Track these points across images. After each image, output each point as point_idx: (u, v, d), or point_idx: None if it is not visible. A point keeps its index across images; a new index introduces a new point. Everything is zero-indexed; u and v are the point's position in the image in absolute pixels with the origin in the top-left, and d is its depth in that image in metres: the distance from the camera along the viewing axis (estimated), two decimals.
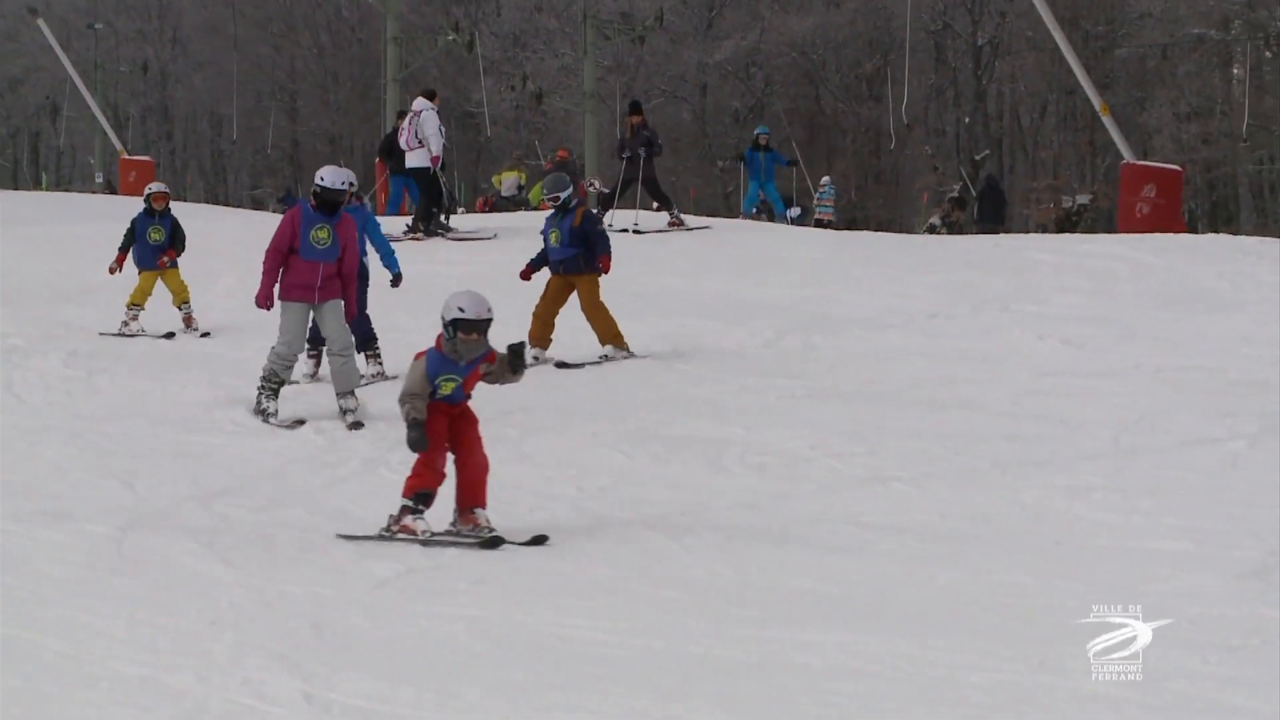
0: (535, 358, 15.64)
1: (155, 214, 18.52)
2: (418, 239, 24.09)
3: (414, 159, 24.69)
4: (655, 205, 26.76)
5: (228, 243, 22.88)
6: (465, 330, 9.99)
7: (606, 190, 28.65)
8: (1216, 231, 37.22)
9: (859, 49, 57.20)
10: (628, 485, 11.47)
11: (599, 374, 15.57)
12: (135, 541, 9.94)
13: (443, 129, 24.74)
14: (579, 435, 13.07)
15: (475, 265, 20.81)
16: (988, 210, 34.99)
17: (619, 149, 26.38)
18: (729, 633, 7.93)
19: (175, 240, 18.50)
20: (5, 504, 10.77)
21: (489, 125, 52.64)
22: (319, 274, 13.85)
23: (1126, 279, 19.68)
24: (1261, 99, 44.63)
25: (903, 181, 56.53)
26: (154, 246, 18.40)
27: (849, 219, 33.26)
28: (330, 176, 13.95)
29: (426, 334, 16.50)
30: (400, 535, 10.01)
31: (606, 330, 16.06)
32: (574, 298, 16.18)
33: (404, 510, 10.08)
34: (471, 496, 10.15)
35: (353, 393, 13.88)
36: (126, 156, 54.76)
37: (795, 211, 35.61)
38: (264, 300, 14.02)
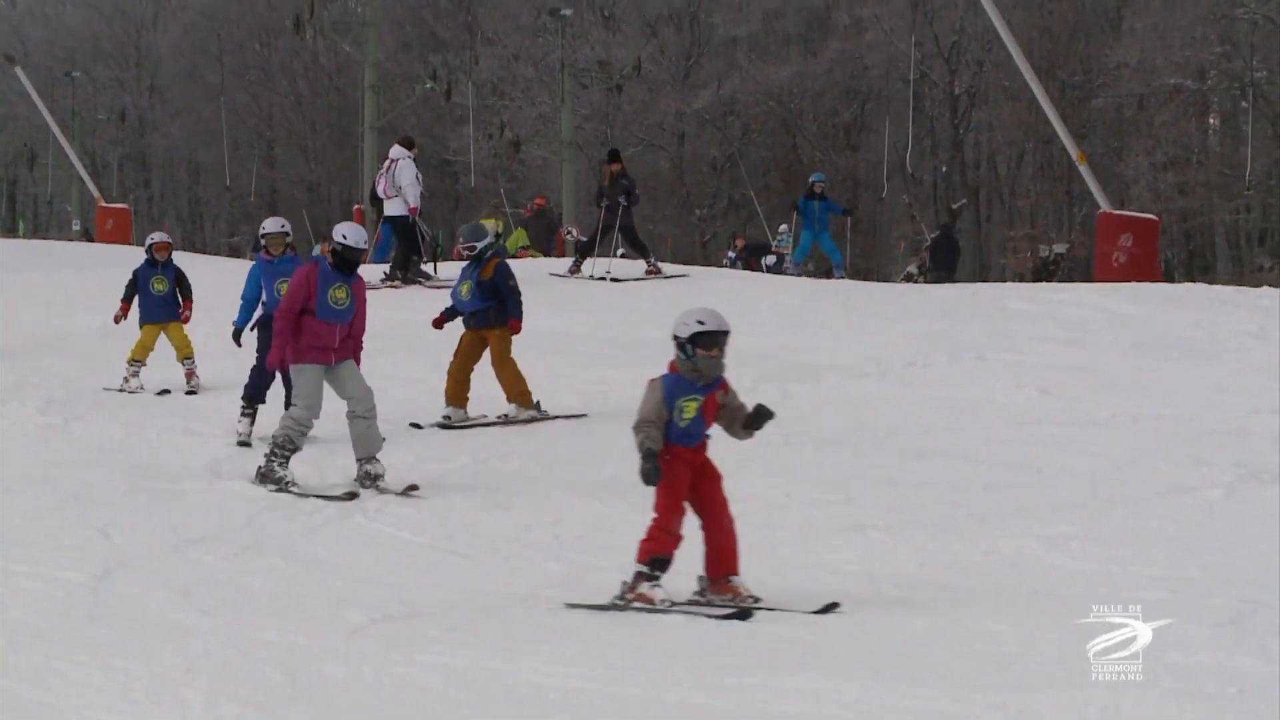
0: (447, 417, 15.37)
1: (158, 264, 18.22)
2: (395, 286, 24.12)
3: (391, 207, 24.74)
4: (619, 253, 26.70)
5: (205, 290, 22.77)
6: (706, 345, 9.33)
7: (584, 239, 28.67)
8: (1193, 280, 37.31)
9: (836, 98, 57.38)
10: (604, 533, 11.44)
11: (576, 422, 15.54)
12: (111, 589, 9.91)
13: (420, 177, 24.79)
14: (556, 483, 13.06)
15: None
16: (942, 259, 35.06)
17: (598, 197, 26.36)
18: (706, 680, 7.91)
19: (183, 291, 18.24)
20: None
21: (473, 174, 52.76)
22: (336, 336, 13.03)
23: (1103, 328, 19.72)
24: (1237, 149, 44.83)
25: (880, 230, 56.64)
26: (156, 297, 18.11)
27: (826, 268, 33.29)
28: (352, 235, 13.17)
29: (407, 380, 16.65)
30: (636, 604, 9.33)
31: (513, 387, 15.59)
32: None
33: (639, 577, 9.35)
34: (726, 564, 9.45)
35: (375, 457, 13.00)
36: (104, 204, 54.83)
37: (771, 260, 35.69)
38: (277, 365, 13.42)
